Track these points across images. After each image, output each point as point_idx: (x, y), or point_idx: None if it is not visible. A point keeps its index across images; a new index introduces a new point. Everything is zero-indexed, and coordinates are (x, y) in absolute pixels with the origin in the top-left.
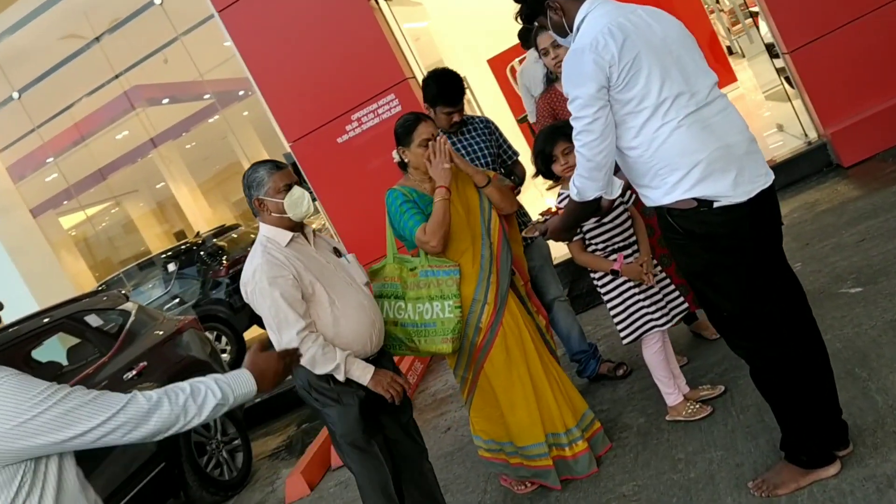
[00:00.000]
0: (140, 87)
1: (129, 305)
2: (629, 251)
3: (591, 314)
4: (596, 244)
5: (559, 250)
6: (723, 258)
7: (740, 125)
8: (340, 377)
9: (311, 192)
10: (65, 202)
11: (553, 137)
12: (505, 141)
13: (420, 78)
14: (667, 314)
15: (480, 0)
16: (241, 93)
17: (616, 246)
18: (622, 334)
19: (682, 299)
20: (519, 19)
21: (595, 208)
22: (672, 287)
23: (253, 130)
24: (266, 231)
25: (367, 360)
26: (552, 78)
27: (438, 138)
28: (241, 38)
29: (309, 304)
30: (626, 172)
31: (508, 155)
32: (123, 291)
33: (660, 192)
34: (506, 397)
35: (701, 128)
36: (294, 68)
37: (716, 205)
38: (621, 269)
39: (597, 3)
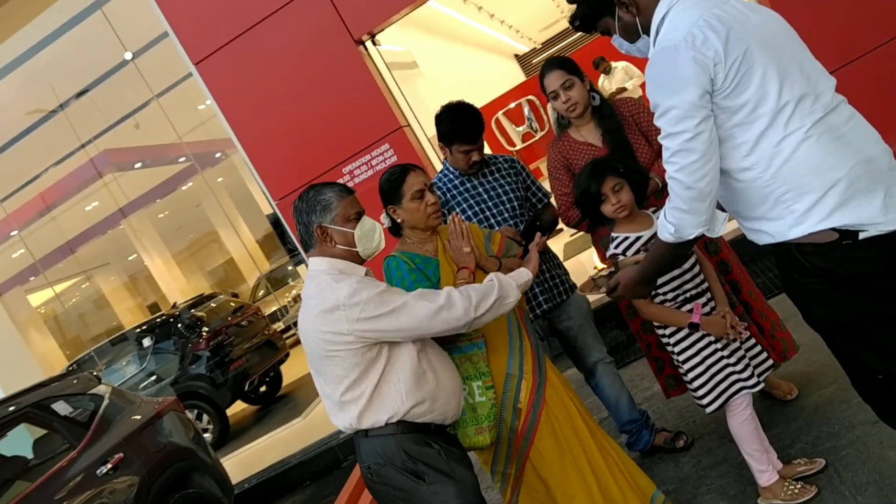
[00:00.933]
0: (109, 152)
1: (101, 389)
2: (703, 300)
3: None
4: (664, 294)
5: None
6: (875, 306)
7: (875, 135)
8: (513, 294)
9: None
10: (31, 278)
11: (600, 173)
12: (534, 182)
13: (415, 125)
14: (753, 373)
15: (465, 52)
16: (217, 155)
17: (688, 295)
18: (704, 401)
19: (765, 354)
20: (576, 23)
21: (689, 251)
22: (752, 341)
23: (228, 197)
24: (331, 264)
25: (447, 427)
26: (564, 124)
27: (452, 216)
28: (221, 93)
29: (403, 346)
30: (731, 204)
31: (538, 197)
32: (95, 373)
33: (784, 224)
34: (561, 492)
35: (833, 138)
36: (279, 121)
37: (862, 235)
38: (701, 322)
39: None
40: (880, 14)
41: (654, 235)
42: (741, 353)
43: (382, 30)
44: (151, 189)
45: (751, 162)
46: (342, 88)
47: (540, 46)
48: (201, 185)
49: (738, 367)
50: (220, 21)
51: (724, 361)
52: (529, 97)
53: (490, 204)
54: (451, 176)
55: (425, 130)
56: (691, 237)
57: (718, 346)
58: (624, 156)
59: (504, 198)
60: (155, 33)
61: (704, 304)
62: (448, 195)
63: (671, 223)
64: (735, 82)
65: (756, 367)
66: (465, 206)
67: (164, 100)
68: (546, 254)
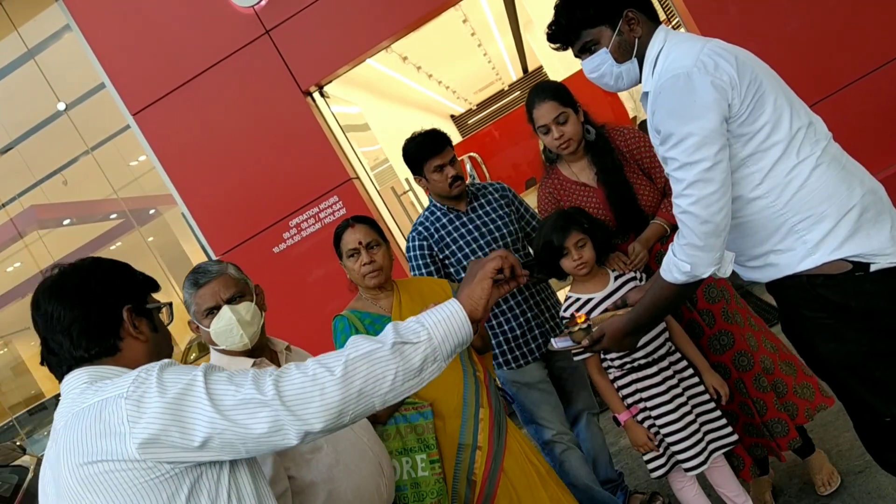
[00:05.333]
0: (37, 208)
1: (25, 460)
2: (653, 370)
3: None
4: (611, 360)
5: None
6: (884, 343)
7: (865, 169)
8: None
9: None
10: None
11: (565, 226)
12: (528, 210)
13: (364, 177)
14: (702, 450)
15: (406, 112)
16: (151, 212)
17: (635, 364)
18: (650, 465)
19: (728, 429)
20: (562, 22)
21: (690, 295)
22: (716, 413)
23: (160, 256)
24: (216, 361)
25: None
26: (552, 158)
27: None
28: (161, 144)
29: (283, 461)
30: (734, 241)
31: (532, 226)
32: (19, 443)
33: (795, 256)
34: None
35: (840, 167)
36: (222, 173)
37: (873, 267)
38: (624, 425)
39: (670, 33)
40: (853, 51)
41: (607, 297)
42: (695, 426)
43: (330, 81)
44: (78, 248)
45: (763, 190)
46: (289, 140)
47: (475, 107)
48: (130, 244)
49: (690, 442)
50: (160, 71)
51: (675, 437)
52: (471, 154)
53: (482, 242)
54: (438, 213)
55: (375, 183)
56: (704, 276)
57: (668, 418)
58: (623, 199)
59: (497, 233)
60: (90, 85)
61: (683, 370)
62: (437, 235)
63: (685, 261)
64: (750, 107)
65: (711, 441)
66: (454, 247)
67: (96, 154)
68: (543, 292)
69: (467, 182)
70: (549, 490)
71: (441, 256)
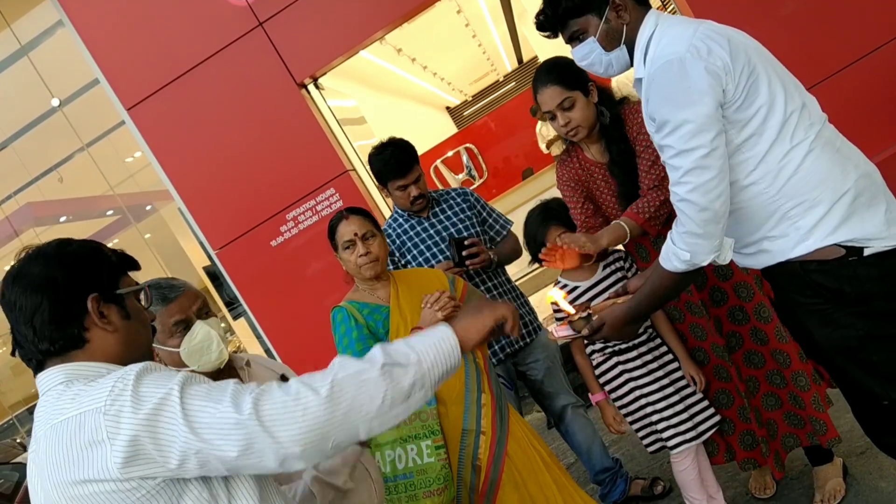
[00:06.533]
0: (32, 206)
1: (26, 457)
2: (633, 354)
3: None
4: (593, 343)
5: None
6: (880, 326)
7: (860, 152)
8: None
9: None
10: None
11: (545, 222)
12: (492, 212)
13: (360, 169)
14: (695, 425)
15: (401, 104)
16: (147, 207)
17: (616, 349)
18: (645, 441)
19: (710, 411)
20: (548, 12)
21: (690, 283)
22: (698, 396)
23: (158, 253)
24: None
25: None
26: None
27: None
28: (155, 139)
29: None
30: (731, 228)
31: (496, 230)
32: (19, 440)
33: (789, 242)
34: None
35: (834, 150)
36: (218, 167)
37: (867, 252)
38: (597, 405)
39: (662, 17)
40: (849, 33)
41: (594, 286)
42: (679, 406)
43: (325, 73)
44: None
45: (757, 176)
46: (285, 133)
47: (471, 99)
48: (127, 240)
49: (674, 421)
50: (154, 65)
51: (658, 416)
52: (467, 145)
53: (443, 246)
54: (401, 220)
55: (371, 175)
56: (704, 263)
57: (650, 399)
58: (633, 191)
59: (456, 236)
60: (84, 81)
61: (663, 356)
62: (399, 241)
63: (685, 250)
64: (745, 92)
65: (700, 422)
66: (415, 251)
67: (91, 150)
68: (509, 293)
69: (464, 173)
70: (553, 474)
71: (403, 262)
